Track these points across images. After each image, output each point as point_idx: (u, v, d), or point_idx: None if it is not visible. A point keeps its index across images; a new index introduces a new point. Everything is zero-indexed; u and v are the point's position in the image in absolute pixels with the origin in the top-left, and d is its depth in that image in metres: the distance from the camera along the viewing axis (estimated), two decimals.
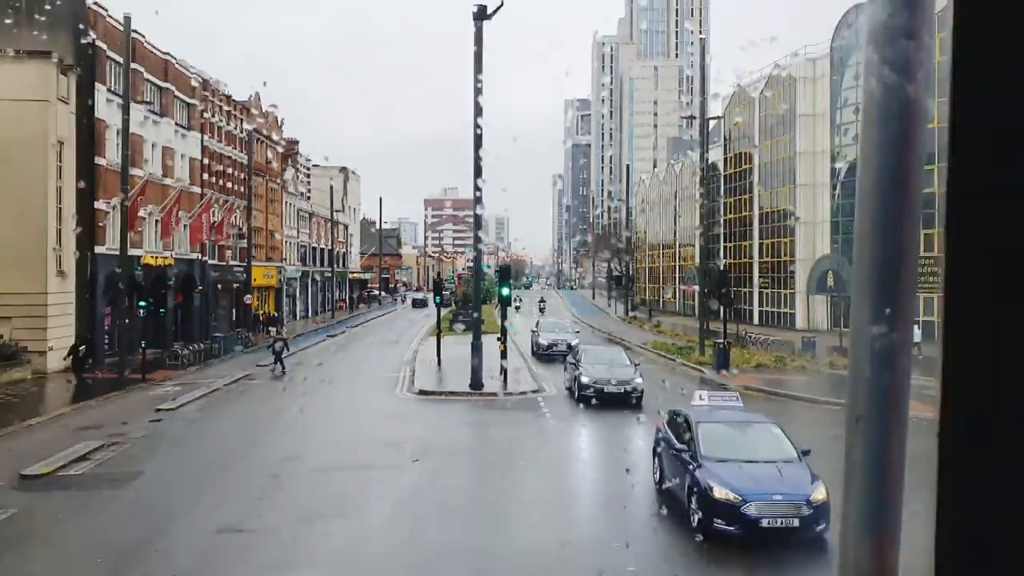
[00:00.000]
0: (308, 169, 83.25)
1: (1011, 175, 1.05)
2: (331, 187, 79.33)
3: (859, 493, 1.31)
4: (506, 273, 30.11)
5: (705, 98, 41.33)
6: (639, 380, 25.66)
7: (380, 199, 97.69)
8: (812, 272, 60.64)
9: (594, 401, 24.29)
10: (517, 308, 59.45)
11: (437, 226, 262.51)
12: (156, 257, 45.92)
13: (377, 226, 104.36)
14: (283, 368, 35.84)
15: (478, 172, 27.46)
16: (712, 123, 65.56)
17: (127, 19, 33.83)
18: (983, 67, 1.08)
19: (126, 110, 33.16)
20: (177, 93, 49.82)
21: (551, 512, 15.18)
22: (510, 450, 19.97)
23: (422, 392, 28.35)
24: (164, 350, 42.18)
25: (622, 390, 25.03)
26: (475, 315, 29.15)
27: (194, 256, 52.36)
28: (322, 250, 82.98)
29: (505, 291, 29.45)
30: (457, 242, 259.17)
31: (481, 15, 27.77)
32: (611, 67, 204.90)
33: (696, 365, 36.80)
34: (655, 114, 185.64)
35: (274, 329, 58.58)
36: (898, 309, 1.27)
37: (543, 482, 17.31)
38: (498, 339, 30.43)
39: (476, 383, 28.17)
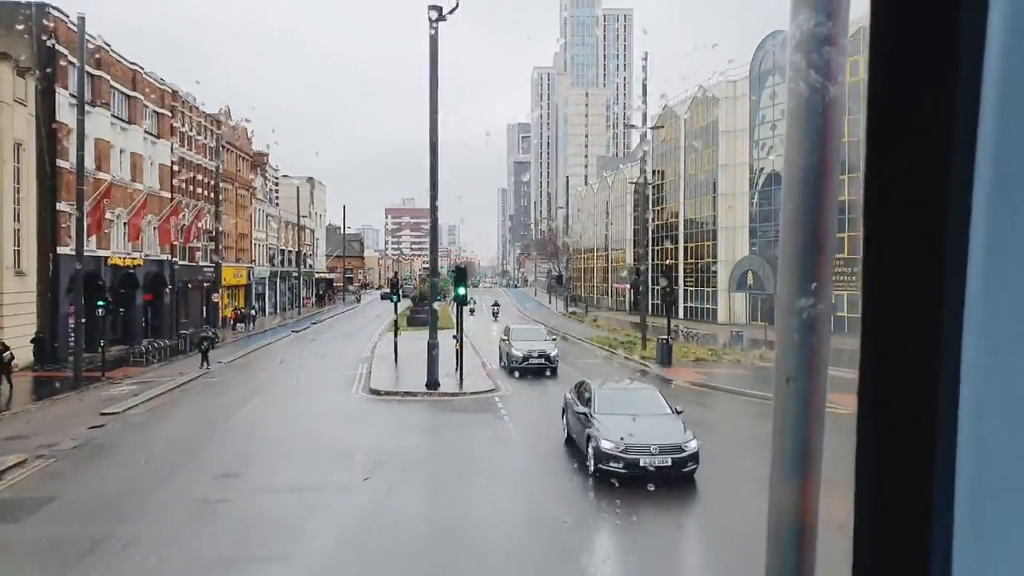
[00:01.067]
0: (277, 178, 78.08)
1: (922, 176, 1.00)
2: (298, 192, 74.17)
3: (788, 442, 1.30)
4: (462, 274, 25.97)
5: (645, 111, 37.76)
6: (694, 444, 13.76)
7: (344, 207, 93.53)
8: (733, 272, 57.84)
9: (627, 477, 13.48)
10: (472, 311, 53.77)
11: (396, 232, 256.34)
12: (124, 258, 40.92)
13: (342, 230, 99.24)
14: (207, 365, 31.45)
15: (434, 149, 23.46)
16: (642, 138, 62.44)
17: (81, 19, 28.92)
18: (897, 74, 1.02)
19: (81, 110, 28.27)
20: (146, 102, 44.70)
21: (512, 546, 11.30)
22: (468, 462, 15.97)
23: (378, 392, 24.14)
24: (131, 347, 37.51)
25: (670, 461, 13.38)
26: (430, 312, 24.98)
27: (164, 257, 47.30)
28: (290, 252, 77.90)
29: (461, 290, 25.39)
30: (415, 246, 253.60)
31: (438, 17, 23.73)
32: (547, 94, 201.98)
33: (640, 360, 33.24)
34: (586, 135, 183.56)
35: (211, 328, 53.71)
36: (820, 283, 1.26)
37: (504, 505, 13.38)
38: (453, 337, 26.30)
39: (432, 382, 24.14)
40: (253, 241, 66.32)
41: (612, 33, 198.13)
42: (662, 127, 58.01)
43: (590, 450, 14.13)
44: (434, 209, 23.27)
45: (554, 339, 32.36)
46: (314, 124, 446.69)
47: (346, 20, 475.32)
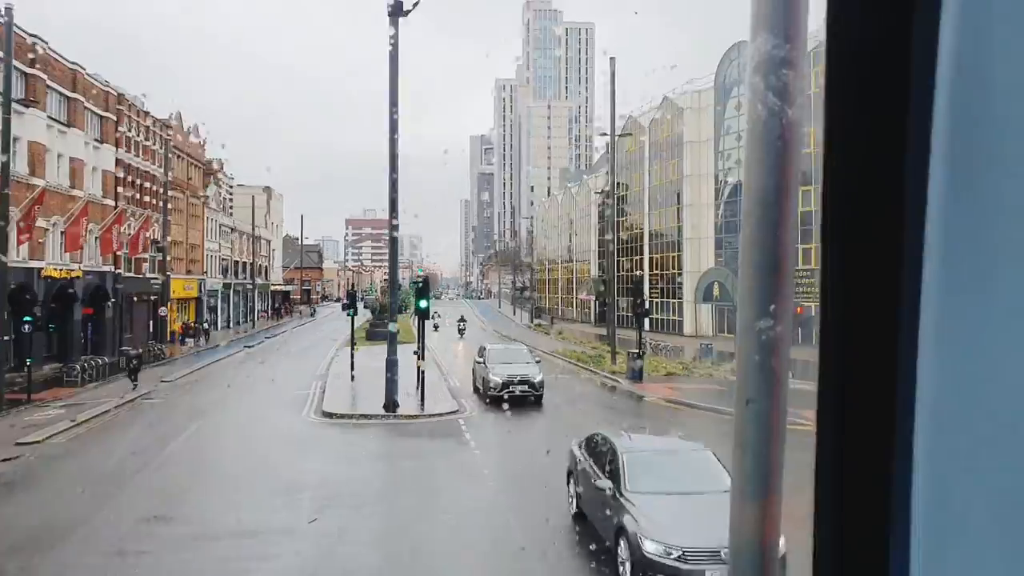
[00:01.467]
0: (231, 187, 75.36)
1: (878, 180, 1.01)
2: (252, 202, 71.55)
3: (749, 464, 1.30)
4: (425, 285, 24.10)
5: (614, 119, 36.49)
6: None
7: (301, 216, 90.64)
8: (699, 283, 56.92)
9: None
10: (436, 327, 50.49)
11: (357, 243, 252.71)
12: (61, 270, 38.21)
13: (299, 241, 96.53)
14: (136, 385, 29.29)
15: (393, 165, 21.73)
16: (607, 148, 61.44)
17: (8, 10, 26.60)
18: (851, 91, 1.03)
19: (7, 108, 25.90)
20: (88, 104, 42.15)
21: None
22: (430, 497, 14.17)
23: (331, 415, 22.18)
24: (65, 365, 34.88)
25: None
26: (390, 327, 23.12)
27: (107, 268, 44.61)
28: (244, 263, 75.15)
29: (423, 303, 23.55)
30: (376, 257, 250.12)
31: (397, 12, 22.06)
32: (510, 106, 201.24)
33: (610, 375, 31.75)
34: (549, 148, 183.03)
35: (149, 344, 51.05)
36: (779, 305, 1.26)
37: (471, 551, 11.63)
38: (415, 353, 24.43)
39: (390, 403, 22.30)
40: (205, 252, 63.63)
41: (574, 47, 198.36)
42: (630, 134, 56.77)
43: (623, 550, 9.55)
44: (393, 202, 21.45)
45: (538, 361, 27.18)
46: (275, 136, 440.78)
47: (306, 30, 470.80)
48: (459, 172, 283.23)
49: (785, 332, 1.27)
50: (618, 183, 70.66)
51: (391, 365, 22.43)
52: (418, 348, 23.95)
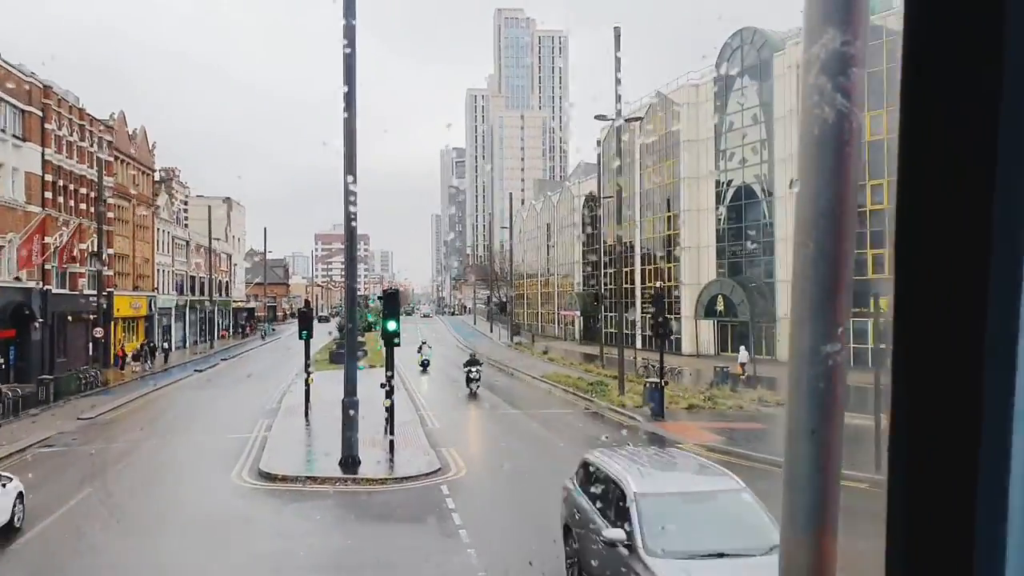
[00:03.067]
0: (186, 197, 69.01)
1: (955, 192, 0.95)
2: (209, 212, 65.24)
3: (807, 500, 1.22)
4: (393, 302, 18.24)
5: (619, 111, 31.14)
6: None
7: (265, 229, 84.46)
8: (700, 297, 51.67)
9: None
10: (424, 365, 40.30)
11: (327, 258, 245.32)
12: None
13: (264, 256, 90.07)
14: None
15: (351, 167, 16.16)
16: (592, 153, 56.33)
17: None
18: (931, 86, 0.97)
19: None
20: (5, 97, 36.11)
21: None
22: None
23: (270, 476, 16.26)
24: None
25: None
26: (348, 357, 17.29)
27: (32, 284, 38.31)
28: (202, 279, 68.71)
29: (392, 325, 17.79)
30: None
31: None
32: (483, 117, 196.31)
33: (619, 408, 26.17)
34: (523, 159, 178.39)
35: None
36: (840, 327, 1.20)
37: None
38: (383, 386, 18.60)
39: (349, 460, 16.53)
40: (156, 266, 57.25)
41: (547, 56, 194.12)
42: (640, 118, 50.73)
43: None
44: (349, 185, 15.77)
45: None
46: (246, 151, 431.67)
47: (274, 45, 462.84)
48: (430, 186, 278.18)
49: (844, 357, 1.19)
50: (618, 186, 65.66)
51: (349, 408, 16.71)
52: (387, 379, 18.14)
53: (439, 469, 16.31)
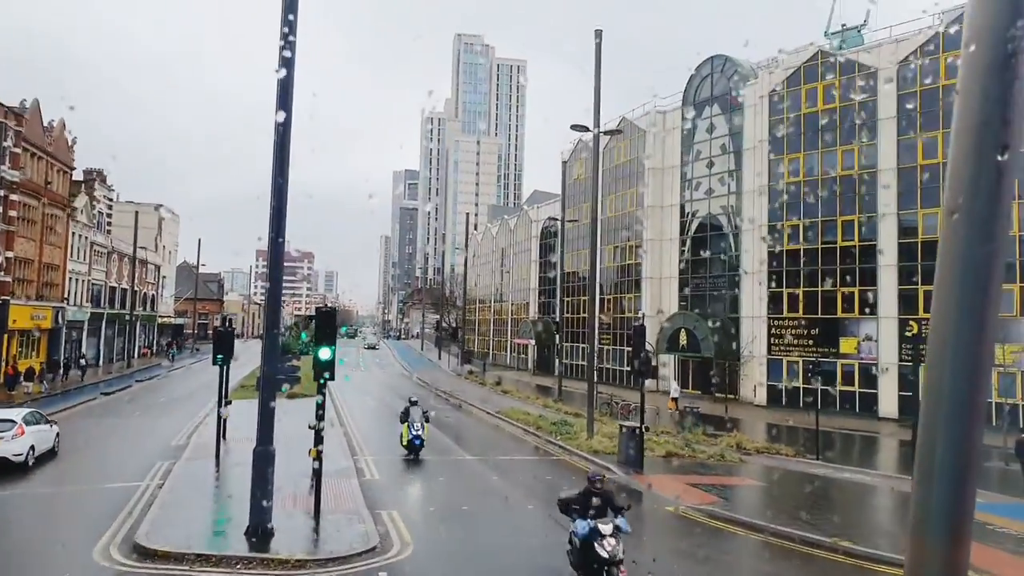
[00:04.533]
0: (111, 201, 63.45)
1: None
2: (136, 218, 59.85)
3: (938, 502, 1.15)
4: (328, 323, 14.26)
5: (598, 104, 27.92)
6: None
7: (199, 240, 79.21)
8: (662, 330, 48.72)
9: None
10: (416, 444, 21.59)
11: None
12: None
13: (196, 268, 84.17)
14: None
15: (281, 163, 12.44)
16: (547, 182, 53.40)
17: None
18: None
19: None
20: None
21: None
22: None
23: (148, 554, 12.05)
24: None
25: None
26: (263, 397, 13.28)
27: None
28: (124, 290, 63.04)
29: (325, 353, 13.90)
30: (287, 290, 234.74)
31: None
32: (439, 140, 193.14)
33: (589, 455, 22.57)
34: (477, 184, 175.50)
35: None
36: (985, 326, 1.14)
37: None
38: (311, 427, 14.50)
39: (259, 531, 12.50)
40: (69, 274, 51.69)
41: (505, 83, 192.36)
42: (620, 131, 47.59)
43: None
44: (278, 192, 11.97)
45: None
46: (197, 163, 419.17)
47: (231, 58, 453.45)
48: (380, 206, 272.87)
49: (989, 356, 1.14)
50: (566, 212, 62.70)
51: (262, 459, 12.73)
52: (316, 433, 14.06)
53: (375, 547, 12.35)
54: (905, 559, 1.19)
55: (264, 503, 12.63)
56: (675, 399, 37.99)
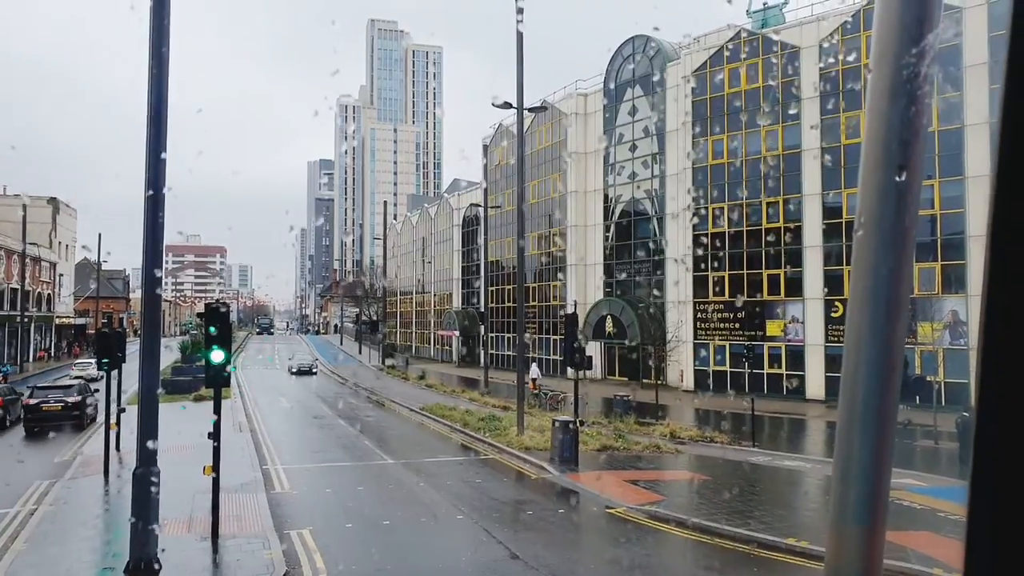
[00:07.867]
0: None
1: None
2: (24, 212, 55.27)
3: (857, 489, 1.19)
4: (219, 321, 12.31)
5: (522, 95, 26.38)
6: None
7: (99, 235, 74.62)
8: (588, 317, 47.96)
9: None
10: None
11: (177, 272, 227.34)
12: None
13: (98, 265, 78.94)
14: None
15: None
16: (466, 171, 52.07)
17: None
18: None
19: None
20: None
21: None
22: None
23: None
24: None
25: None
26: (145, 405, 11.35)
27: None
28: (15, 290, 58.28)
29: (218, 356, 12.06)
30: (198, 287, 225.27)
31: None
32: (354, 129, 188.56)
33: (522, 454, 21.27)
34: (395, 172, 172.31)
35: None
36: (900, 310, 1.18)
37: None
38: (209, 436, 12.62)
39: (141, 567, 10.61)
40: None
41: (421, 70, 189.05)
42: (544, 108, 46.03)
43: None
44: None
45: None
46: (104, 155, 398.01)
47: (116, 45, 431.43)
48: (295, 197, 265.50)
49: (903, 341, 1.17)
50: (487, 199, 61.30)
51: (143, 481, 10.82)
52: (213, 429, 12.26)
53: (286, 573, 10.68)
54: (826, 550, 1.21)
55: (147, 534, 10.73)
56: (534, 380, 37.70)
